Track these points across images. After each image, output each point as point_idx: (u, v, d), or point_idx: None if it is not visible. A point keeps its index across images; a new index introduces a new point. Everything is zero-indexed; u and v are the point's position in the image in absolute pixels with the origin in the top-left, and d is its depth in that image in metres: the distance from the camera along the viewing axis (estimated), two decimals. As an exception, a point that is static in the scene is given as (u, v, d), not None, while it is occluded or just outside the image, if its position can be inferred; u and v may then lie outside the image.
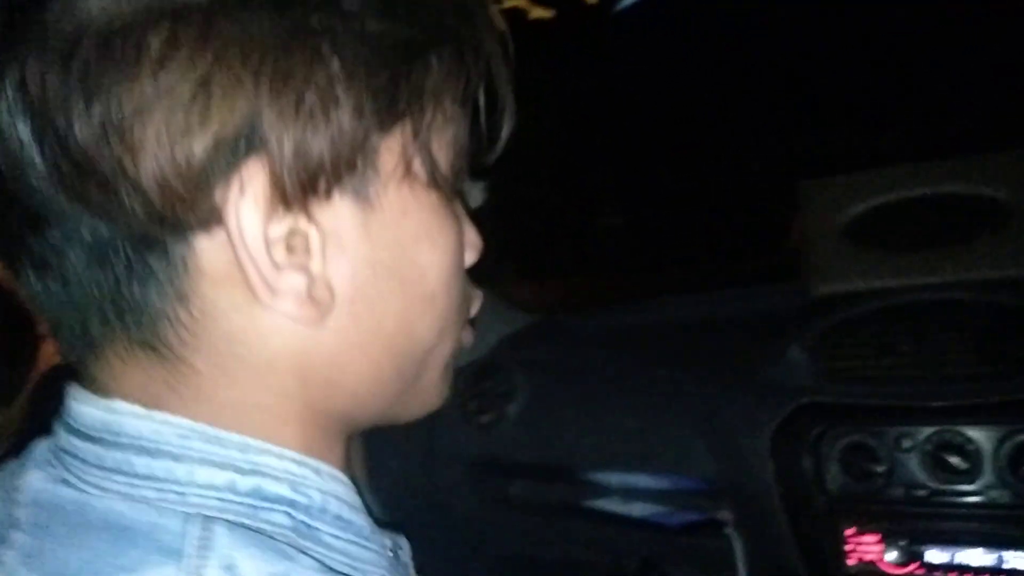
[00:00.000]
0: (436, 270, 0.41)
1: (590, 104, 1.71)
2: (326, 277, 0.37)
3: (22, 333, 1.05)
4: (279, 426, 0.38)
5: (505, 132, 0.43)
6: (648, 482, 1.17)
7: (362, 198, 0.37)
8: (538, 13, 1.18)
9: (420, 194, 0.39)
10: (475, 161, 0.43)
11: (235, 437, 0.37)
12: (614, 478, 1.20)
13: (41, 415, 0.41)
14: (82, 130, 0.31)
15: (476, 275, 1.37)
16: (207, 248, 0.35)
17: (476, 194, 1.26)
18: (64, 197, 0.33)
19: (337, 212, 0.36)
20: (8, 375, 1.08)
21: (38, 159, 0.32)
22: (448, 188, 0.41)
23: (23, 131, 0.32)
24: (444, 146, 0.40)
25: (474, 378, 1.28)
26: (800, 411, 0.93)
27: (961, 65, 1.39)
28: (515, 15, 1.17)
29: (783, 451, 0.94)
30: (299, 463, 0.38)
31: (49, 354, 1.09)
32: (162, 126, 0.31)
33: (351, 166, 0.36)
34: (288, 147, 0.33)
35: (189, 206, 0.33)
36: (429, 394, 0.46)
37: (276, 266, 0.35)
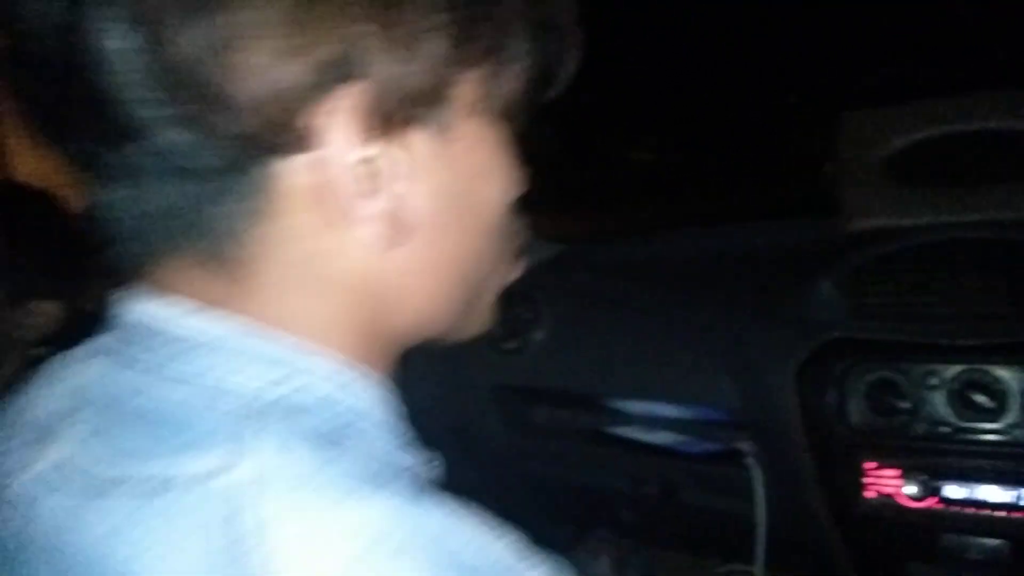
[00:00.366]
0: (498, 201, 0.43)
1: (618, 34, 1.67)
2: (406, 203, 0.38)
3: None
4: (337, 335, 0.39)
5: (569, 68, 0.44)
6: (670, 411, 1.18)
7: (443, 128, 0.38)
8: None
9: (489, 127, 0.40)
10: (539, 96, 0.44)
11: (289, 337, 0.37)
12: (636, 406, 1.21)
13: (88, 318, 0.42)
14: (187, 44, 0.32)
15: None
16: (290, 169, 0.35)
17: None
18: (155, 109, 0.33)
19: (420, 140, 0.37)
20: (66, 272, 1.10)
21: (135, 69, 0.32)
22: (518, 120, 0.42)
23: (121, 40, 0.32)
24: (515, 80, 0.40)
25: (500, 304, 1.29)
26: (828, 346, 0.93)
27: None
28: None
29: (808, 385, 0.94)
30: (349, 366, 0.39)
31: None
32: (264, 47, 0.32)
33: (439, 96, 0.37)
34: (386, 73, 0.34)
35: (282, 128, 0.34)
36: (479, 318, 0.48)
37: (360, 190, 0.36)
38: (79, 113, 0.34)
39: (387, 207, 0.37)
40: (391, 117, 0.35)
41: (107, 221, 0.38)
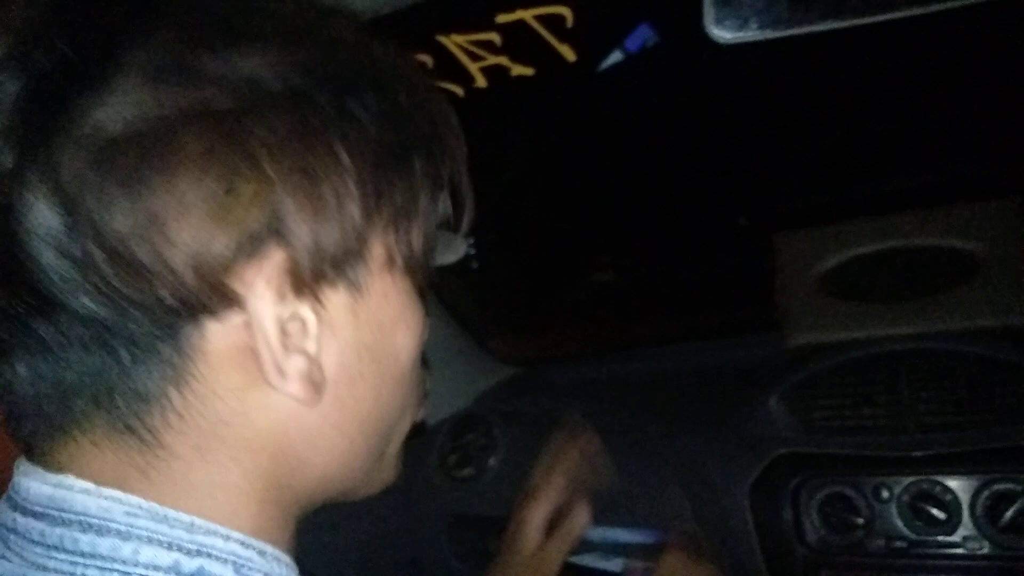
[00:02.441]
0: (407, 350, 0.44)
1: (570, 160, 1.74)
2: (319, 360, 0.39)
3: None
4: (240, 505, 0.39)
5: (467, 220, 0.47)
6: (629, 536, 1.15)
7: (354, 285, 0.39)
8: (520, 71, 1.21)
9: (398, 280, 0.42)
10: (444, 244, 0.47)
11: (184, 517, 0.36)
12: (594, 533, 1.18)
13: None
14: (120, 222, 0.33)
15: (457, 326, 1.36)
16: (217, 331, 0.36)
17: (459, 247, 1.27)
18: (83, 283, 0.33)
19: (332, 298, 0.39)
20: None
21: (64, 245, 0.33)
22: (421, 273, 0.44)
23: (49, 218, 0.33)
24: (419, 236, 0.42)
25: (454, 432, 1.27)
26: (778, 462, 0.93)
27: (928, 118, 1.43)
28: (498, 73, 1.20)
29: (762, 503, 0.93)
30: (245, 544, 0.38)
31: None
32: (198, 220, 0.33)
33: (354, 255, 0.38)
34: (305, 237, 0.36)
35: (206, 294, 0.35)
36: (387, 470, 0.48)
37: (280, 350, 0.37)
38: (9, 284, 0.35)
39: (304, 365, 0.38)
40: (309, 278, 0.37)
41: (15, 394, 0.37)
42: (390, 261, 0.41)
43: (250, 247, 0.35)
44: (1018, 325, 0.91)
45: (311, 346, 0.38)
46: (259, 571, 0.38)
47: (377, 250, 0.40)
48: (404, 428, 0.48)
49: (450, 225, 0.46)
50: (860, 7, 0.54)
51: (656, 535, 1.12)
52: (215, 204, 0.33)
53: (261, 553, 0.39)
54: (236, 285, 0.35)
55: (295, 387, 0.37)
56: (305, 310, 0.37)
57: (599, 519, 1.14)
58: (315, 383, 0.38)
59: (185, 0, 0.36)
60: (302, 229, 0.36)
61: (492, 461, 1.21)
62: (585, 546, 1.19)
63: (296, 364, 0.37)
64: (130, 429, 0.36)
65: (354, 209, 0.37)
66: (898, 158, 1.46)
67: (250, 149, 0.34)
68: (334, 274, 0.38)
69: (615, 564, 1.12)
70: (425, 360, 0.51)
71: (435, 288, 1.27)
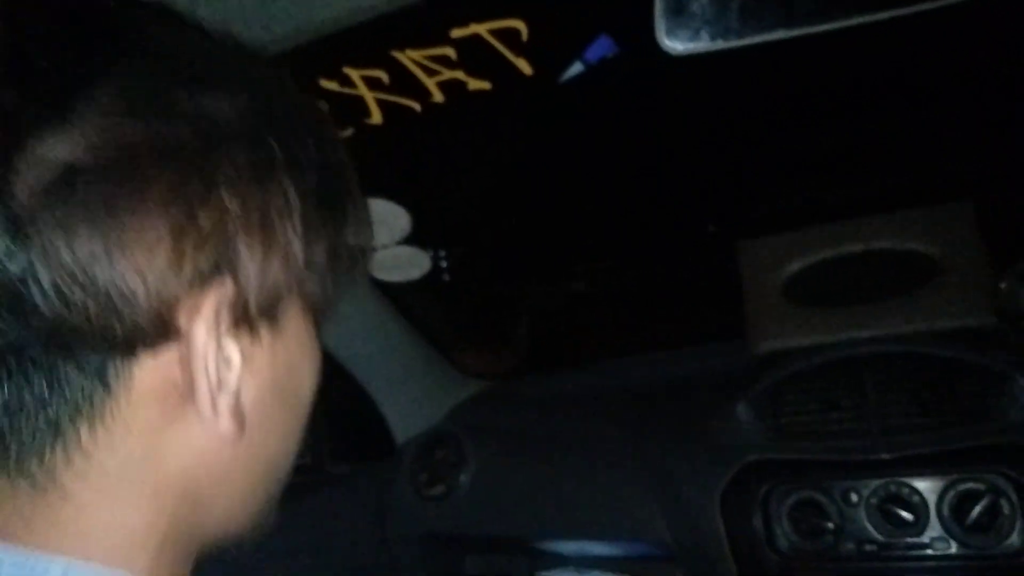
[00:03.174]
0: (309, 388, 0.43)
1: (536, 172, 1.74)
2: (243, 396, 0.38)
3: None
4: (137, 547, 0.36)
5: (369, 256, 0.46)
6: (603, 549, 1.15)
7: (277, 324, 0.39)
8: (477, 85, 1.21)
9: (305, 316, 0.42)
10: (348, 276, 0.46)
11: (57, 563, 0.34)
12: (569, 547, 1.18)
13: None
14: (80, 247, 0.32)
15: (425, 342, 1.35)
16: (148, 365, 0.35)
17: (403, 223, 1.25)
18: (13, 307, 0.32)
19: (258, 337, 0.38)
20: None
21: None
22: (325, 315, 0.43)
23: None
24: (334, 279, 0.42)
25: (424, 449, 1.26)
26: (748, 469, 0.93)
27: (886, 124, 1.45)
28: (455, 87, 1.20)
29: (733, 510, 0.93)
30: None
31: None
32: (160, 250, 0.33)
33: (290, 291, 0.38)
34: (255, 275, 0.36)
35: (147, 327, 0.34)
36: (267, 514, 0.45)
37: (213, 385, 0.36)
38: None
39: (231, 401, 0.37)
40: (252, 315, 0.37)
41: None
42: (301, 297, 0.41)
43: (202, 280, 0.34)
44: (977, 325, 0.93)
45: (241, 380, 0.37)
46: None
47: (309, 290, 0.40)
48: (289, 466, 0.46)
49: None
50: (809, 16, 0.54)
51: (629, 547, 1.12)
52: (177, 235, 0.33)
53: None
54: (181, 318, 0.34)
55: (226, 423, 0.37)
56: (233, 348, 0.37)
57: (571, 533, 1.13)
58: (239, 421, 0.37)
59: (155, 40, 0.36)
60: (252, 266, 0.35)
61: (463, 478, 1.20)
62: (561, 560, 1.18)
63: (226, 400, 0.37)
64: (23, 471, 0.34)
65: (298, 250, 0.37)
66: (858, 163, 1.48)
67: (213, 184, 0.34)
68: (271, 313, 0.38)
69: (590, 578, 1.12)
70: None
71: (402, 303, 1.26)
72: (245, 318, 0.36)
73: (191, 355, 0.35)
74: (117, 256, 0.32)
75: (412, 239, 1.21)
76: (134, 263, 0.33)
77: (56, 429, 0.34)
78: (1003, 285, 0.98)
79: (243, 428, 0.38)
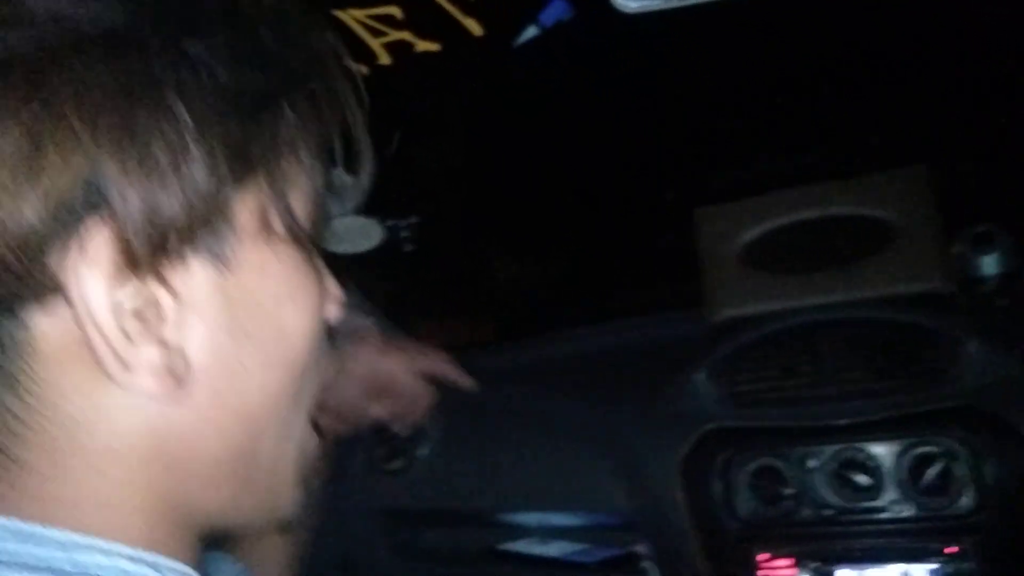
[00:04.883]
0: (299, 332, 0.38)
1: (486, 136, 1.72)
2: (182, 348, 0.33)
3: None
4: (122, 520, 0.34)
5: (364, 179, 0.41)
6: (564, 520, 1.15)
7: (218, 258, 0.34)
8: (425, 46, 1.17)
9: (280, 250, 0.36)
10: (339, 207, 0.41)
11: (56, 534, 0.32)
12: (530, 518, 1.17)
13: None
14: None
15: (380, 316, 1.33)
16: (44, 323, 0.31)
17: (373, 232, 1.22)
18: None
19: (192, 275, 0.33)
20: None
21: None
22: (308, 242, 0.38)
23: None
24: (301, 197, 0.37)
25: (379, 424, 1.24)
26: (707, 437, 0.93)
27: (842, 88, 1.45)
28: (402, 48, 1.16)
29: (693, 479, 0.93)
30: (134, 559, 0.33)
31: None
32: (6, 182, 0.29)
33: (205, 223, 0.33)
34: (135, 205, 0.30)
35: (21, 276, 0.30)
36: (283, 493, 0.41)
37: (128, 338, 0.32)
38: None
39: (157, 356, 0.33)
40: (151, 251, 0.31)
41: None
42: (265, 229, 0.36)
43: (67, 220, 0.30)
44: (932, 290, 0.93)
45: (170, 333, 0.33)
46: None
47: (244, 216, 0.35)
48: (301, 428, 0.41)
49: (345, 178, 0.41)
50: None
51: (590, 518, 1.11)
52: (6, 168, 0.29)
53: (154, 566, 0.34)
54: (56, 267, 0.30)
55: (145, 381, 0.32)
56: (158, 290, 0.32)
57: (532, 504, 1.13)
58: (176, 375, 0.33)
59: None
60: (130, 198, 0.30)
61: (421, 451, 1.18)
62: (522, 532, 1.18)
63: (146, 355, 0.32)
64: None
65: (198, 171, 0.32)
66: (814, 129, 1.48)
67: (55, 103, 0.29)
68: (185, 248, 0.33)
69: (553, 548, 1.12)
70: (332, 335, 0.44)
71: (353, 272, 1.23)
72: (145, 259, 0.31)
73: (73, 305, 0.31)
74: None
75: (362, 208, 1.17)
76: None
77: None
78: (957, 250, 0.99)
79: (182, 383, 0.33)
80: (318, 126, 0.37)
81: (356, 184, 0.41)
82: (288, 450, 0.41)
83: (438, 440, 1.19)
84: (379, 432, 1.23)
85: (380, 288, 1.29)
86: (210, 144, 0.32)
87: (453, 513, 1.19)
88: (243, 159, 0.33)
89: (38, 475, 0.33)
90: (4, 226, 0.29)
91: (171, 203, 0.31)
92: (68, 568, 0.31)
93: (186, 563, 0.36)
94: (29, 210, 0.29)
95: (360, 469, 1.21)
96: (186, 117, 0.31)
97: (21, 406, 0.32)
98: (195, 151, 0.31)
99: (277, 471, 0.40)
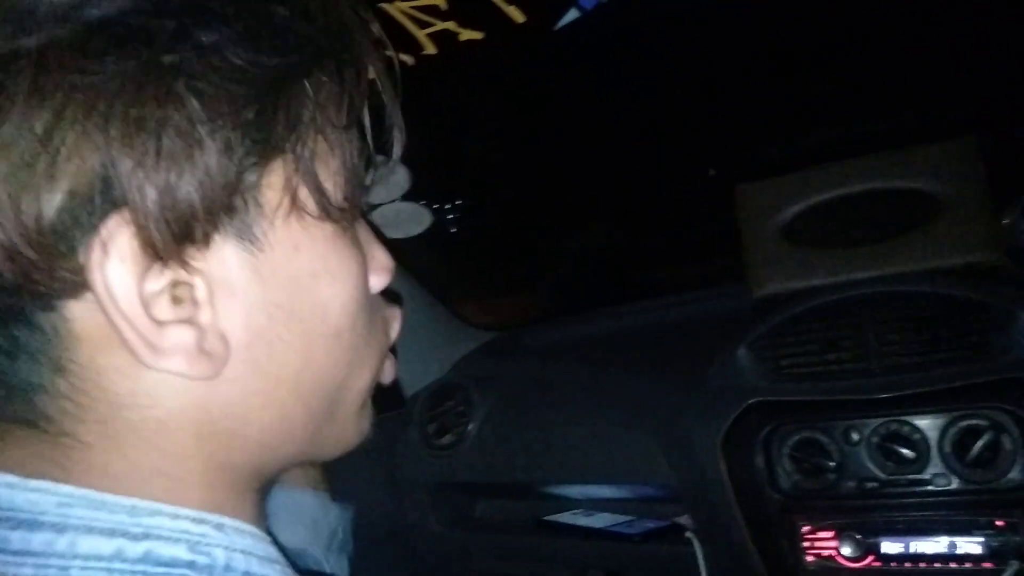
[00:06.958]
0: (338, 304, 0.39)
1: (531, 120, 1.73)
2: (217, 327, 0.35)
3: None
4: (181, 489, 0.36)
5: (396, 150, 0.41)
6: (610, 492, 1.17)
7: (248, 239, 0.35)
8: (468, 35, 1.19)
9: (312, 227, 0.37)
10: (372, 180, 0.41)
11: (123, 500, 0.34)
12: (576, 490, 1.20)
13: None
14: None
15: (430, 296, 1.36)
16: (79, 312, 0.33)
17: (402, 178, 1.24)
18: None
19: (222, 257, 0.34)
20: None
21: None
22: (342, 217, 0.38)
23: None
24: (332, 173, 0.37)
25: (431, 400, 1.28)
26: (749, 411, 0.94)
27: (885, 60, 1.43)
28: (447, 38, 1.18)
29: (735, 451, 0.94)
30: (197, 521, 0.35)
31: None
32: (3, 188, 0.30)
33: (228, 208, 0.33)
34: (152, 197, 0.31)
35: (47, 272, 0.31)
36: (346, 431, 0.44)
37: (157, 323, 0.33)
38: None
39: (190, 337, 0.34)
40: (173, 240, 0.32)
41: None
42: (296, 207, 0.36)
43: (87, 215, 0.31)
44: (979, 263, 0.92)
45: (204, 314, 0.34)
46: (219, 546, 0.35)
47: (271, 196, 0.35)
48: (359, 386, 0.42)
49: (380, 151, 0.40)
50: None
51: (634, 490, 1.14)
52: (22, 169, 0.29)
53: (218, 527, 0.36)
54: (77, 260, 0.31)
55: (177, 363, 0.33)
56: (186, 276, 0.33)
57: (577, 477, 1.15)
58: (211, 354, 0.34)
59: None
60: (146, 190, 0.31)
61: (471, 427, 1.22)
62: (568, 504, 1.20)
63: (178, 338, 0.33)
64: (26, 421, 0.34)
65: (212, 158, 0.32)
66: (858, 101, 1.46)
67: (61, 96, 0.30)
68: (211, 233, 0.33)
69: (599, 520, 1.14)
70: (396, 299, 0.46)
71: (406, 259, 1.26)
72: (167, 246, 0.32)
73: (100, 298, 0.32)
74: None
75: (412, 194, 1.20)
76: (3, 193, 0.30)
77: (29, 383, 0.33)
78: (1006, 221, 0.98)
79: (217, 362, 0.35)
80: (344, 101, 0.37)
81: (389, 153, 0.41)
82: (351, 399, 0.42)
83: (486, 416, 1.22)
84: (430, 410, 1.26)
85: (431, 271, 1.32)
86: (225, 130, 0.32)
87: (501, 486, 1.23)
88: (263, 141, 0.34)
89: (100, 451, 0.35)
90: (26, 226, 0.30)
91: (188, 192, 0.32)
92: (137, 532, 0.34)
93: (248, 522, 0.38)
94: (49, 208, 0.30)
95: (412, 445, 1.25)
96: (196, 105, 0.31)
97: (71, 389, 0.34)
98: (208, 139, 0.32)
99: (339, 417, 0.42)
